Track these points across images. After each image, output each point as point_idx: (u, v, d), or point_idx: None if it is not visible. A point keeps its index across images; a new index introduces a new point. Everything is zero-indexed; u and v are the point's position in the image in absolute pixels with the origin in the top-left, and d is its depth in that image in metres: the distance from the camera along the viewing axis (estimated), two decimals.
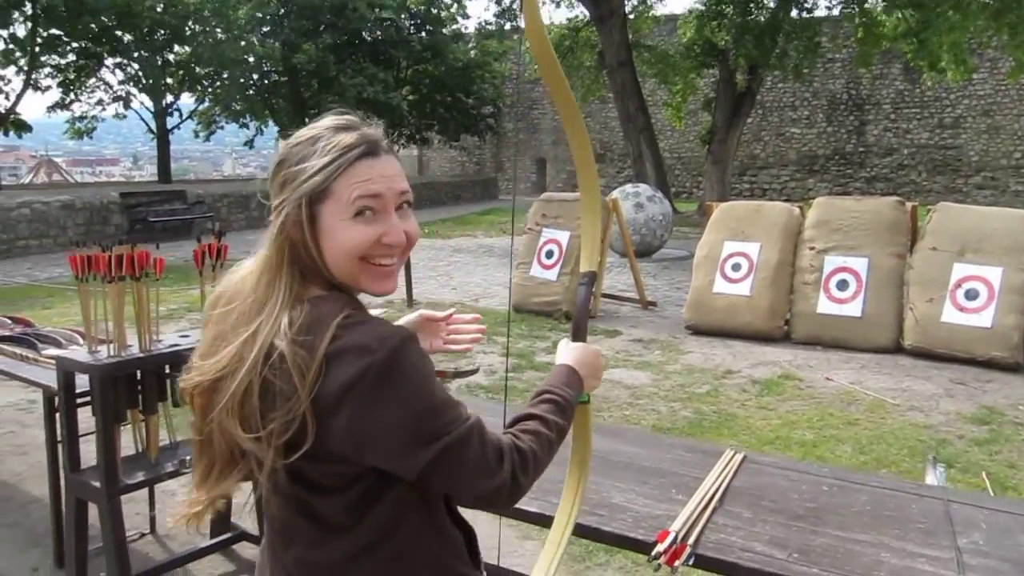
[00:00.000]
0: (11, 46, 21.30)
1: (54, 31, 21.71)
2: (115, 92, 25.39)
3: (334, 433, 1.15)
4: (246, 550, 3.67)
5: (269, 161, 1.32)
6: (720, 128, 21.70)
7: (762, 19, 19.95)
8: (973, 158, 27.82)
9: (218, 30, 25.74)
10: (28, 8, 20.53)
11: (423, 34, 31.66)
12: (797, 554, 1.71)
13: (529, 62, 24.02)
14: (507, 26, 26.19)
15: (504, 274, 11.70)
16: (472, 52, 32.34)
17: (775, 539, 1.77)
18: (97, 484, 2.91)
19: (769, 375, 6.51)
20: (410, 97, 31.59)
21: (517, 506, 1.32)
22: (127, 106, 25.36)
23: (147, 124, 26.92)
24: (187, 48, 25.77)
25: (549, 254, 8.94)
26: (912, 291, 7.11)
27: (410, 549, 1.27)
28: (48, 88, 23.56)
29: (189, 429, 1.32)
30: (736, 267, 7.92)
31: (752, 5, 20.07)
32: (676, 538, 1.74)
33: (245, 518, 3.72)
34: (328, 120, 1.29)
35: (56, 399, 3.22)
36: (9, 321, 4.33)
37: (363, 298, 1.33)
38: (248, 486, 1.33)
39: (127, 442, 3.06)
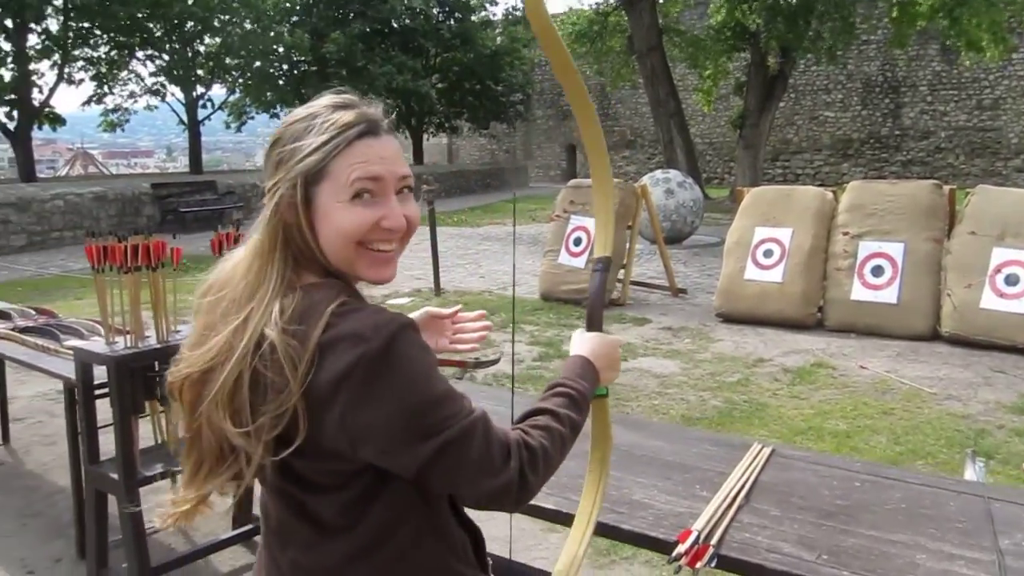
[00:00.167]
0: (46, 41, 21.52)
1: (86, 24, 21.90)
2: (147, 84, 25.60)
3: (327, 428, 1.09)
4: None
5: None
6: (752, 112, 21.40)
7: (794, 0, 19.60)
8: (1013, 140, 27.22)
9: (247, 21, 25.83)
10: (60, 2, 20.75)
11: (452, 21, 31.58)
12: (827, 556, 1.62)
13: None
14: None
15: (533, 262, 11.59)
16: (500, 39, 32.21)
17: (803, 539, 1.69)
18: (115, 476, 2.89)
19: (801, 363, 6.37)
20: (439, 85, 31.57)
21: (533, 501, 1.25)
22: (163, 99, 25.55)
23: (178, 115, 27.14)
24: (217, 39, 25.89)
25: (577, 241, 8.85)
26: (950, 277, 6.92)
27: (411, 551, 1.21)
28: (81, 81, 23.83)
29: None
30: (768, 253, 7.77)
31: None
32: (698, 538, 1.66)
33: None
34: (326, 98, 1.23)
35: (76, 390, 3.21)
36: (33, 312, 4.35)
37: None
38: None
39: (146, 433, 3.04)
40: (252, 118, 30.96)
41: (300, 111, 1.22)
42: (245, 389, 1.10)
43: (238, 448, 1.13)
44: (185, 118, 26.66)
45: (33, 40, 21.41)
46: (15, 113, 21.26)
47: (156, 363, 2.97)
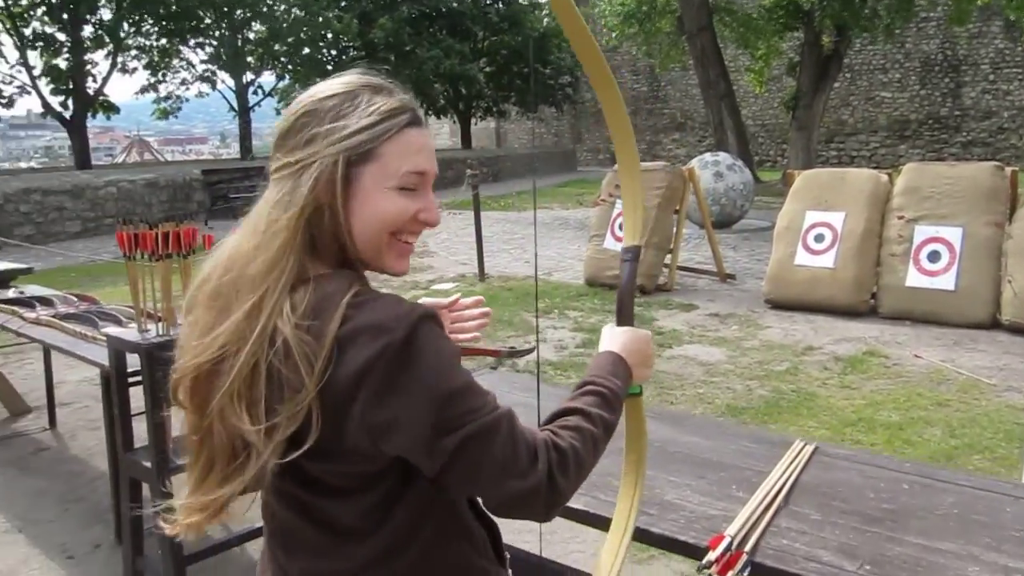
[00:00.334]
0: (99, 31, 21.89)
1: (137, 16, 22.22)
2: (198, 72, 25.93)
3: (349, 425, 1.03)
4: None
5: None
6: (805, 93, 20.90)
7: None
8: None
9: (295, 7, 25.98)
10: None
11: (500, 4, 31.41)
12: (869, 566, 1.51)
13: (608, 27, 23.60)
14: None
15: (579, 247, 11.47)
16: (548, 21, 31.97)
17: (845, 547, 1.58)
18: (148, 464, 2.88)
19: (853, 352, 6.18)
20: (487, 69, 31.46)
21: None
22: (213, 86, 25.86)
23: (229, 102, 27.45)
24: (265, 26, 26.10)
25: (623, 226, 8.69)
26: (1011, 262, 6.64)
27: (434, 550, 1.15)
28: (135, 70, 24.22)
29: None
30: (819, 238, 7.55)
31: None
32: (731, 544, 1.56)
33: None
34: (357, 77, 1.18)
35: (110, 378, 3.21)
36: (75, 299, 4.37)
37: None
38: None
39: (180, 421, 3.02)
40: None
41: (330, 87, 1.15)
42: (263, 380, 1.03)
43: (251, 446, 1.05)
44: (235, 105, 26.95)
45: (87, 31, 21.82)
46: (70, 102, 21.68)
47: None
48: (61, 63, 21.67)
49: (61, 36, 21.44)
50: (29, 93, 21.91)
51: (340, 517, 1.11)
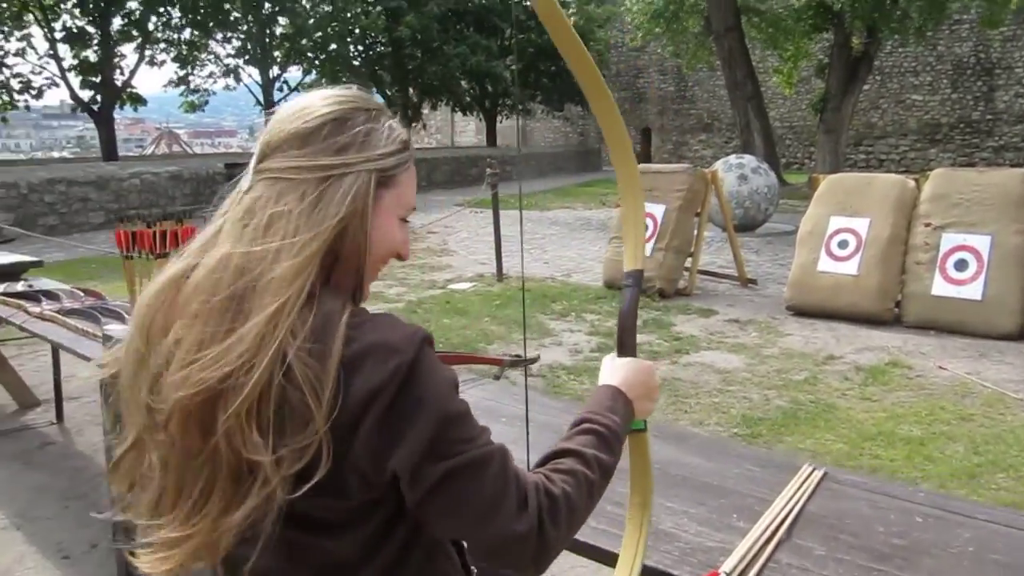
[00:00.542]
0: (126, 26, 22.02)
1: (167, 7, 22.33)
2: (225, 66, 26.04)
3: (354, 446, 0.96)
4: None
5: (292, 112, 1.11)
6: (834, 96, 20.63)
7: None
8: None
9: (324, 3, 26.02)
10: None
11: (527, 2, 31.31)
12: None
13: (635, 26, 23.40)
14: None
15: (600, 248, 11.35)
16: (575, 19, 31.78)
17: None
18: None
19: (875, 362, 6.02)
20: (514, 67, 31.34)
21: None
22: (236, 79, 25.96)
23: (256, 97, 27.54)
24: (293, 21, 26.16)
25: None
26: None
27: (426, 565, 1.11)
28: (163, 63, 24.33)
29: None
30: (843, 244, 7.39)
31: None
32: None
33: None
34: (368, 96, 1.15)
35: None
36: (82, 294, 4.33)
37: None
38: None
39: None
40: None
41: (353, 99, 1.12)
42: (272, 404, 0.95)
43: (256, 471, 0.96)
44: (262, 99, 27.04)
45: (116, 23, 21.94)
46: (98, 96, 21.84)
47: None
48: (91, 55, 21.83)
49: (91, 29, 21.59)
50: (58, 86, 22.10)
51: (335, 552, 1.04)
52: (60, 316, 3.81)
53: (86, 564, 3.37)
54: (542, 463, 1.12)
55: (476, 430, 1.03)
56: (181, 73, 24.92)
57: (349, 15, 27.13)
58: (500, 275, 9.36)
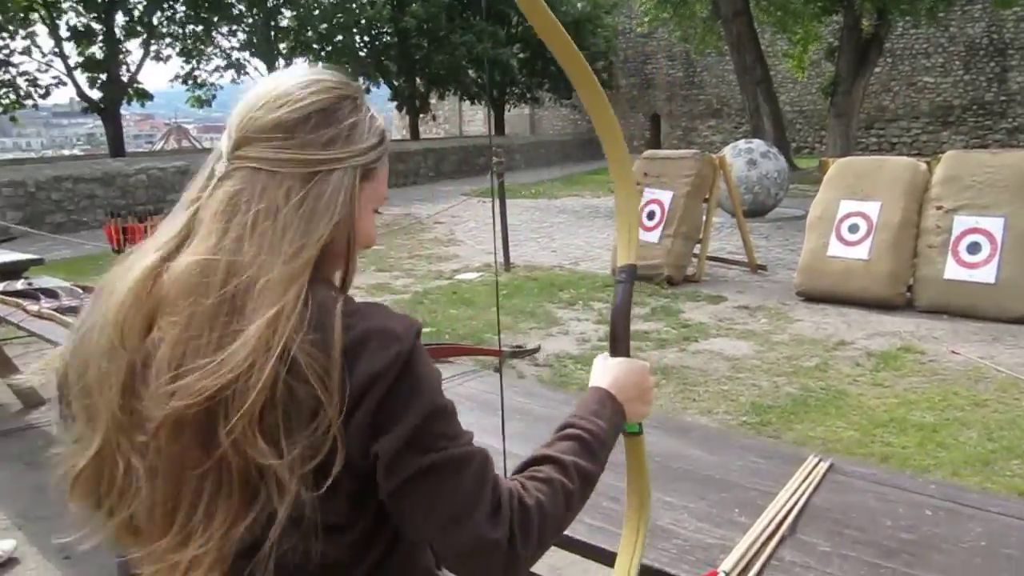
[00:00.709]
0: (130, 22, 21.96)
1: (169, 2, 22.28)
2: (231, 59, 25.98)
3: (350, 433, 0.92)
4: None
5: (275, 93, 1.04)
6: (844, 79, 20.40)
7: None
8: None
9: None
10: None
11: None
12: None
13: (642, 12, 23.20)
14: None
15: (608, 236, 11.27)
16: (582, 5, 31.61)
17: None
18: None
19: (887, 347, 5.94)
20: (521, 55, 31.20)
21: None
22: (239, 72, 25.88)
23: None
24: (297, 13, 26.07)
25: (651, 215, 8.50)
26: None
27: (410, 552, 1.08)
28: (169, 58, 24.29)
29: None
30: (853, 228, 7.29)
31: None
32: None
33: None
34: (342, 77, 1.09)
35: None
36: (81, 292, 4.30)
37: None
38: None
39: None
40: None
41: (337, 87, 1.06)
42: (279, 406, 0.90)
43: (268, 476, 0.91)
44: None
45: (120, 19, 21.92)
46: (105, 93, 21.82)
47: None
48: (97, 52, 21.80)
49: (96, 26, 21.56)
50: (65, 84, 22.06)
51: (329, 554, 0.98)
52: (58, 314, 3.78)
53: (87, 565, 3.34)
54: (520, 470, 1.07)
55: (460, 429, 1.00)
56: (187, 68, 24.88)
57: (354, 5, 27.01)
58: (508, 264, 9.30)
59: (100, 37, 21.61)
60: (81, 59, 21.94)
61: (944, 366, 5.49)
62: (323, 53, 27.62)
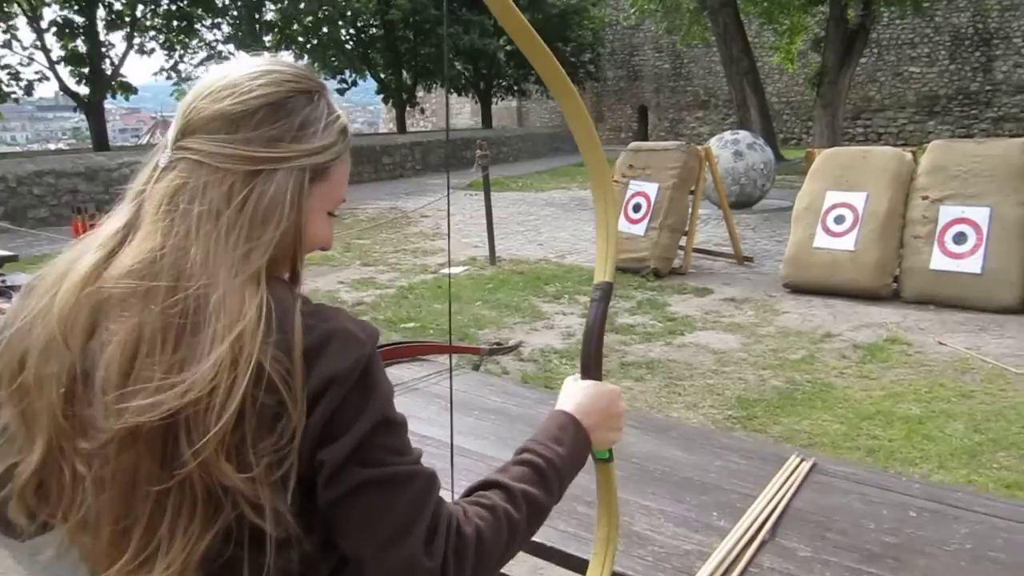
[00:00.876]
0: (112, 15, 21.72)
1: None
2: (215, 51, 25.79)
3: (301, 442, 0.86)
4: None
5: (217, 81, 0.97)
6: (830, 69, 20.35)
7: None
8: None
9: None
10: None
11: None
12: None
13: (629, 3, 23.12)
14: None
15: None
16: None
17: None
18: None
19: (873, 339, 5.91)
20: (508, 47, 31.06)
21: None
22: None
23: None
24: (282, 5, 25.88)
25: (636, 207, 8.45)
26: None
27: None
28: (152, 51, 24.07)
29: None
30: (839, 219, 7.26)
31: None
32: None
33: None
34: (303, 70, 1.01)
35: None
36: None
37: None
38: None
39: None
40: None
41: (292, 79, 0.98)
42: (246, 423, 0.84)
43: (234, 491, 0.85)
44: None
45: (101, 12, 21.66)
46: (88, 85, 21.61)
47: None
48: (79, 45, 21.57)
49: (78, 19, 21.32)
50: (48, 79, 21.86)
51: (284, 568, 0.92)
52: None
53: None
54: (467, 494, 1.00)
55: (408, 446, 0.94)
56: (170, 62, 24.66)
57: None
58: (493, 258, 9.23)
59: (81, 30, 21.36)
60: (64, 53, 21.70)
61: (930, 357, 5.47)
62: (308, 46, 27.47)
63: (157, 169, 0.96)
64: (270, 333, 0.86)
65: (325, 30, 27.30)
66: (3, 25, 20.72)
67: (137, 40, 22.95)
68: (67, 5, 21.18)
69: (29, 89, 21.95)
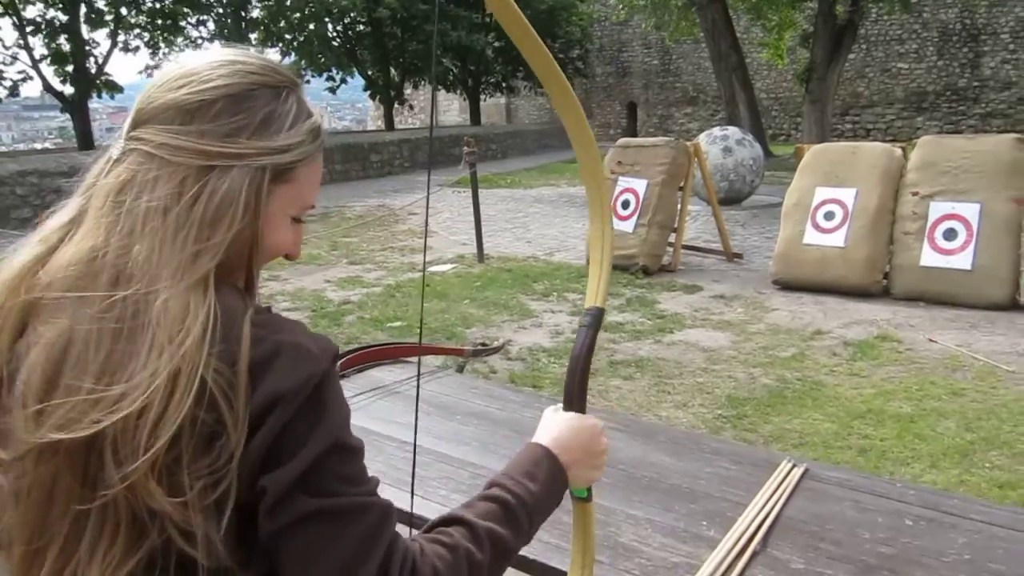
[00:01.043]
0: (92, 14, 21.51)
1: None
2: (200, 49, 25.60)
3: (241, 465, 0.79)
4: None
5: (173, 75, 0.91)
6: (819, 65, 20.36)
7: None
8: None
9: None
10: None
11: None
12: None
13: (619, 2, 23.05)
14: None
15: (583, 225, 11.15)
16: None
17: None
18: None
19: (864, 336, 5.87)
20: (496, 44, 30.98)
21: None
22: None
23: None
24: (267, 1, 25.72)
25: (625, 204, 8.39)
26: None
27: None
28: (137, 49, 23.89)
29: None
30: (829, 215, 7.21)
31: None
32: None
33: None
34: (271, 63, 0.94)
35: None
36: None
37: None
38: None
39: None
40: (308, 82, 30.82)
41: (258, 71, 0.92)
42: (183, 442, 0.77)
43: (162, 515, 0.78)
44: None
45: (83, 9, 21.46)
46: (72, 84, 21.42)
47: None
48: (63, 44, 21.37)
49: (62, 17, 21.12)
50: (31, 79, 21.64)
51: None
52: None
53: None
54: (428, 529, 0.93)
55: (364, 474, 0.86)
56: (154, 60, 24.47)
57: None
58: (481, 256, 9.16)
59: (63, 26, 21.16)
60: (47, 52, 21.50)
61: (921, 355, 5.43)
62: (295, 43, 27.32)
63: (109, 161, 0.90)
64: (214, 344, 0.79)
65: (312, 27, 27.16)
66: None
67: (121, 38, 22.76)
68: (49, 3, 20.97)
69: (14, 90, 21.74)
